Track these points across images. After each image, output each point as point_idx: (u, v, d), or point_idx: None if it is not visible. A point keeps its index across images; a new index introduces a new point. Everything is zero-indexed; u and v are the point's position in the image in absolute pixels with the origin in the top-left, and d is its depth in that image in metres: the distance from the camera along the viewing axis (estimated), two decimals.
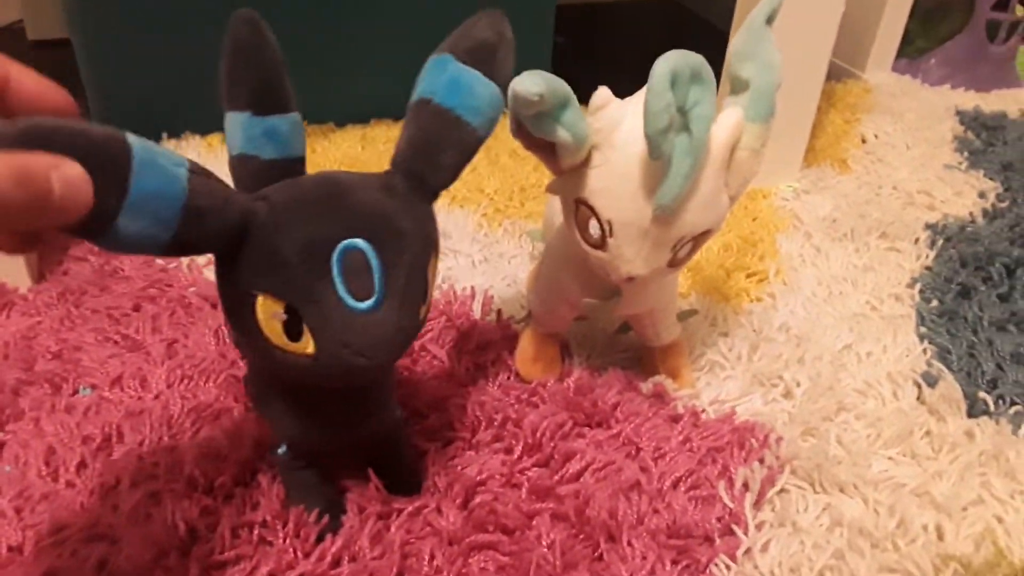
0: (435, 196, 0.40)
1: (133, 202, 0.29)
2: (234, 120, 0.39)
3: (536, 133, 0.43)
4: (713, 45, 0.77)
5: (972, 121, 1.03)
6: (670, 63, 0.40)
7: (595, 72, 1.17)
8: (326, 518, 0.44)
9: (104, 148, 0.28)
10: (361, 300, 0.35)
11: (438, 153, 0.39)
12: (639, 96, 0.44)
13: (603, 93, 0.45)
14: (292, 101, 0.39)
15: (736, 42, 0.46)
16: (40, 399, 0.52)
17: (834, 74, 1.18)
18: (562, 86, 0.41)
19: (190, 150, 0.86)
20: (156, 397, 0.53)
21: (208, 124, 0.86)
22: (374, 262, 0.35)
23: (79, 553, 0.42)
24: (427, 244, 0.38)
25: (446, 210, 0.79)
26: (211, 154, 0.85)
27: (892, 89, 1.13)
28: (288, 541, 0.43)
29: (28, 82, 0.25)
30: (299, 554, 0.43)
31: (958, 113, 1.06)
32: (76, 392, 0.53)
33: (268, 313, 0.35)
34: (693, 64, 0.41)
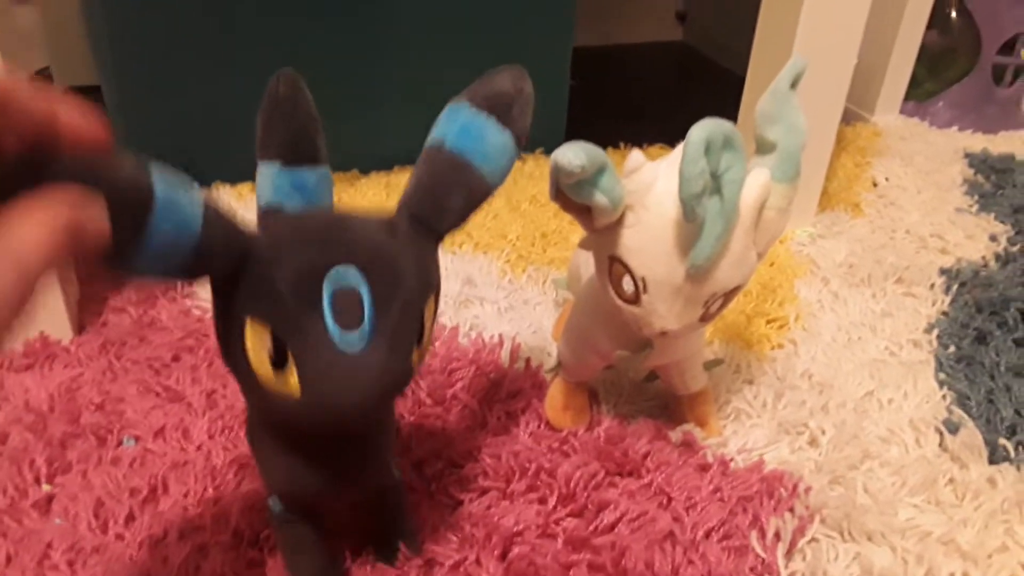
0: (439, 239, 0.40)
1: (148, 246, 0.29)
2: (265, 171, 0.40)
3: (575, 199, 0.45)
4: (724, 88, 0.79)
5: (981, 164, 1.05)
6: (705, 131, 0.42)
7: (608, 114, 1.21)
8: None
9: (127, 188, 0.28)
10: (349, 330, 0.34)
11: (445, 197, 0.39)
12: (670, 159, 0.47)
13: (636, 157, 0.47)
14: (322, 155, 0.40)
15: (762, 105, 0.48)
16: (87, 451, 0.54)
17: (844, 117, 1.21)
18: (600, 154, 0.43)
19: (221, 199, 0.88)
20: (199, 448, 0.54)
21: (237, 174, 0.88)
22: (366, 297, 0.34)
23: None
24: (425, 286, 0.38)
25: (470, 256, 0.81)
26: (240, 203, 0.87)
27: (901, 132, 1.16)
28: None
29: (74, 117, 0.27)
30: None
31: (967, 156, 1.08)
32: (120, 443, 0.55)
33: (256, 341, 0.34)
34: (726, 131, 0.43)
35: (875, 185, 1.02)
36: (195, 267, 0.32)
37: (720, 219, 0.44)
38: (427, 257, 0.39)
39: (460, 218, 0.40)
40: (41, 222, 0.24)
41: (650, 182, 0.46)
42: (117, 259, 0.29)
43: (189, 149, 0.90)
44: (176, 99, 0.88)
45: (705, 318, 0.48)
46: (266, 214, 0.40)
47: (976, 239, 0.88)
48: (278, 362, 0.34)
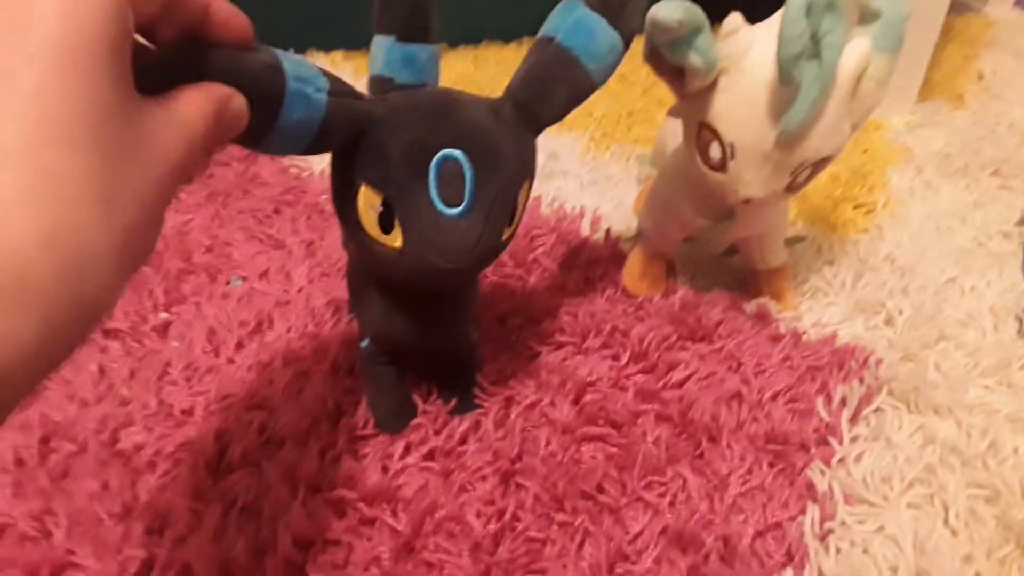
0: (540, 129, 0.42)
1: (280, 128, 0.33)
2: (379, 43, 0.42)
3: (670, 58, 0.45)
4: None
5: None
6: None
7: None
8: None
9: (264, 83, 0.31)
10: (450, 206, 0.37)
11: (550, 89, 0.41)
12: (769, 23, 0.46)
13: (735, 18, 0.46)
14: (435, 34, 0.42)
15: None
16: (199, 286, 0.59)
17: (954, 7, 1.14)
18: (698, 12, 0.43)
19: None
20: (299, 291, 0.58)
21: (332, 42, 0.90)
22: (468, 174, 0.37)
23: (243, 419, 0.48)
24: (523, 170, 0.40)
25: (555, 133, 0.81)
26: (333, 70, 0.89)
27: (1013, 25, 1.09)
28: (422, 418, 0.49)
29: (222, 8, 0.29)
30: (431, 432, 0.48)
31: None
32: (229, 282, 0.60)
33: (367, 203, 0.38)
34: None
35: (981, 78, 0.97)
36: (320, 146, 0.36)
37: (817, 83, 0.43)
38: (526, 144, 0.41)
39: (562, 111, 0.42)
40: (202, 101, 0.28)
41: (747, 45, 0.46)
42: (253, 141, 0.33)
43: (287, 16, 0.92)
44: None
45: (792, 188, 0.49)
46: (377, 82, 0.42)
47: None
48: (386, 224, 0.38)
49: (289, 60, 0.33)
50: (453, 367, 0.51)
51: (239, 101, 0.30)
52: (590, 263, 0.63)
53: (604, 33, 0.41)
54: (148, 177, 0.24)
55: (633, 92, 0.87)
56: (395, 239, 0.38)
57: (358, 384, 0.51)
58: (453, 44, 0.96)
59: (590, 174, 0.76)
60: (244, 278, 0.60)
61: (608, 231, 0.66)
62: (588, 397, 0.51)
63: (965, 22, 1.09)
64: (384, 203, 0.38)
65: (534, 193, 0.72)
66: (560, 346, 0.56)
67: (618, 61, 0.43)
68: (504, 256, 0.63)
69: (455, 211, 0.38)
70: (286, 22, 0.92)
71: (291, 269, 0.60)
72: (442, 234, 0.38)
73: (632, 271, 0.61)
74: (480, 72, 0.91)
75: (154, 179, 0.25)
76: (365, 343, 0.48)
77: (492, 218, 0.39)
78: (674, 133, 0.58)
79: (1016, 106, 0.90)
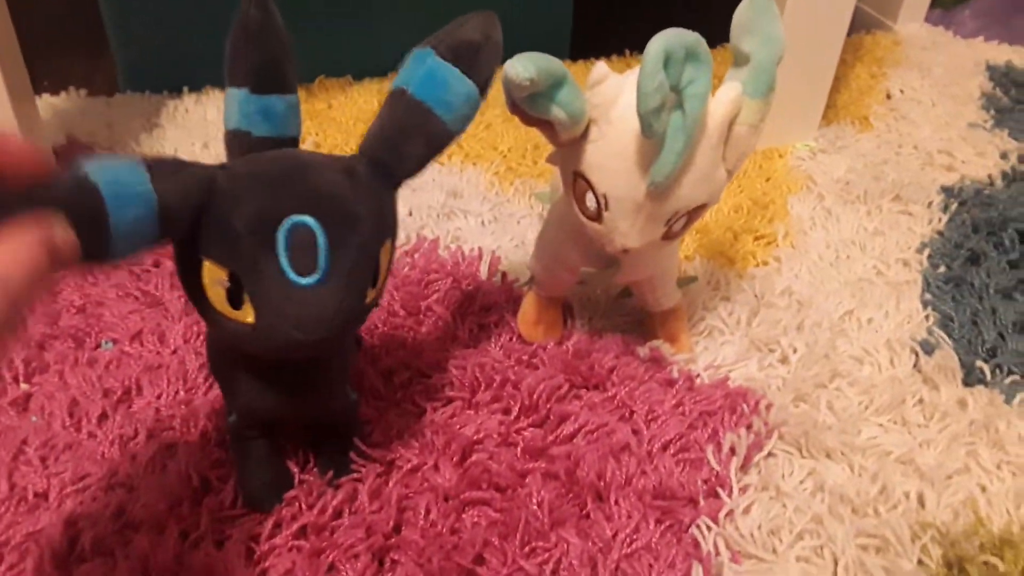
0: (398, 184, 0.41)
1: (117, 235, 0.31)
2: (232, 95, 0.40)
3: (531, 112, 0.44)
4: None
5: (1002, 77, 1.01)
6: (663, 43, 0.40)
7: (618, 19, 1.16)
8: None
9: (76, 198, 0.30)
10: (303, 275, 0.35)
11: (405, 143, 0.40)
12: (636, 71, 0.45)
13: (600, 69, 0.45)
14: (292, 83, 0.40)
15: (739, 14, 0.46)
16: (64, 352, 0.55)
17: (864, 25, 1.16)
18: (555, 66, 0.42)
19: (210, 104, 0.87)
20: (173, 352, 0.56)
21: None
22: (321, 240, 0.35)
23: (99, 500, 0.46)
24: (382, 230, 0.39)
25: (459, 167, 0.80)
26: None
27: (923, 42, 1.10)
28: (297, 489, 0.46)
29: (8, 146, 0.28)
30: (303, 506, 0.46)
31: (988, 68, 1.03)
32: (98, 346, 0.56)
33: (213, 279, 0.36)
34: (688, 43, 0.41)
35: (888, 97, 0.98)
36: (172, 231, 0.34)
37: (681, 135, 0.42)
38: (384, 201, 0.40)
39: (420, 164, 0.41)
40: (15, 247, 0.26)
41: (615, 95, 0.45)
42: (96, 257, 0.31)
43: (181, 53, 0.89)
44: (169, 1, 0.86)
45: (669, 236, 0.48)
46: (233, 137, 0.40)
47: (986, 156, 0.86)
48: (235, 299, 0.36)
49: (96, 164, 0.31)
50: (329, 433, 0.49)
51: (60, 227, 0.28)
52: (485, 309, 0.62)
53: (458, 83, 0.40)
54: None
55: None
56: (247, 314, 0.36)
57: (229, 455, 0.48)
58: (358, 77, 0.94)
59: (492, 211, 0.74)
60: (115, 341, 0.56)
61: (504, 274, 0.65)
62: (474, 457, 0.49)
63: (873, 40, 1.10)
64: (231, 277, 0.36)
65: (432, 234, 0.70)
66: (449, 401, 0.54)
67: (475, 110, 0.42)
68: (396, 305, 0.61)
69: (310, 280, 0.36)
70: (180, 56, 0.89)
71: (166, 329, 0.57)
72: (296, 305, 0.36)
73: (527, 317, 0.59)
74: None
75: None
76: (232, 418, 0.46)
77: (352, 283, 0.37)
78: None
79: (922, 126, 0.91)
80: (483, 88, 0.41)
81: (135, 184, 0.32)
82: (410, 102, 0.40)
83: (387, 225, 0.40)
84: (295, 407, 0.44)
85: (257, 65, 0.39)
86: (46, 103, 0.87)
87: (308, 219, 0.36)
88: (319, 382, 0.44)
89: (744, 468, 0.50)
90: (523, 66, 0.40)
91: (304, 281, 0.36)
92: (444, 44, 0.40)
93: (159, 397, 0.52)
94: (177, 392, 0.52)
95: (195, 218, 0.35)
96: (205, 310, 0.38)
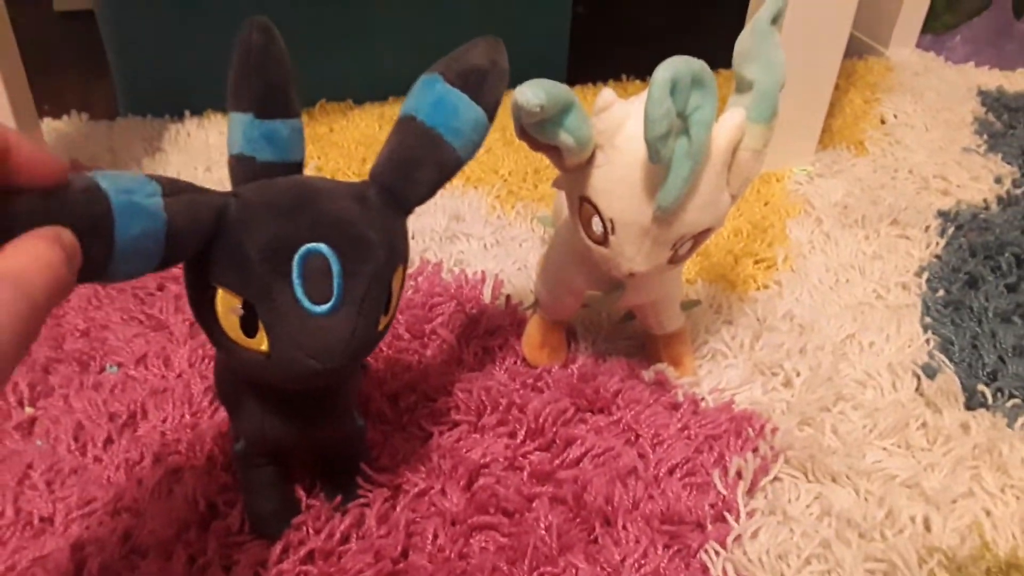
0: (408, 211, 0.41)
1: (121, 249, 0.30)
2: (236, 120, 0.40)
3: (539, 138, 0.44)
4: (737, 14, 0.76)
5: (994, 102, 1.02)
6: (671, 70, 0.40)
7: (615, 43, 1.17)
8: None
9: (84, 207, 0.29)
10: (318, 303, 0.35)
11: (415, 169, 0.40)
12: (641, 97, 0.45)
13: (607, 95, 0.46)
14: (295, 107, 0.40)
15: (741, 42, 0.47)
16: (69, 376, 0.55)
17: (856, 50, 1.17)
18: (564, 92, 0.42)
19: (212, 128, 0.88)
20: (179, 376, 0.55)
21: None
22: (335, 268, 0.36)
23: (106, 525, 0.45)
24: (393, 256, 0.39)
25: (460, 191, 0.81)
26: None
27: (915, 67, 1.12)
28: (305, 515, 0.46)
29: (25, 149, 0.27)
30: (310, 531, 0.45)
31: (980, 93, 1.05)
32: (103, 370, 0.56)
33: (226, 307, 0.36)
34: (694, 70, 0.41)
35: (883, 122, 0.99)
36: (176, 253, 0.34)
37: (687, 161, 0.43)
38: (395, 228, 0.40)
39: (430, 191, 0.41)
40: (37, 254, 0.26)
41: (620, 121, 0.45)
42: (97, 272, 0.30)
43: (182, 77, 0.89)
44: (170, 26, 0.86)
45: (674, 260, 0.48)
46: (238, 162, 0.40)
47: (981, 180, 0.86)
48: (249, 327, 0.36)
49: (109, 176, 0.30)
50: (337, 458, 0.48)
51: (67, 236, 0.28)
52: (489, 332, 0.62)
53: (466, 109, 0.40)
54: None
55: None
56: (260, 342, 0.36)
57: (235, 479, 0.48)
58: (359, 102, 0.95)
59: (494, 235, 0.74)
60: (120, 365, 0.56)
61: (508, 297, 0.65)
62: (481, 481, 0.49)
63: (866, 66, 1.12)
64: (245, 305, 0.36)
65: (435, 257, 0.71)
66: (455, 425, 0.54)
67: (483, 136, 0.42)
68: (400, 328, 0.61)
69: (324, 308, 0.36)
70: (181, 80, 0.90)
71: (171, 352, 0.57)
72: (311, 334, 0.36)
73: (531, 341, 0.60)
74: (385, 131, 0.88)
75: None
76: (240, 444, 0.45)
77: (365, 311, 0.37)
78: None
79: (916, 151, 0.92)
80: (490, 114, 0.42)
81: (145, 196, 0.31)
82: (420, 129, 0.40)
83: (399, 251, 0.40)
84: (304, 434, 0.44)
85: (260, 90, 0.39)
86: (48, 127, 0.87)
87: (322, 247, 0.36)
88: (328, 409, 0.44)
89: (751, 492, 0.50)
90: (533, 92, 0.40)
91: (318, 309, 0.36)
92: (452, 70, 0.40)
93: (165, 421, 0.52)
94: (183, 416, 0.52)
95: (202, 244, 0.35)
96: (218, 338, 0.38)
